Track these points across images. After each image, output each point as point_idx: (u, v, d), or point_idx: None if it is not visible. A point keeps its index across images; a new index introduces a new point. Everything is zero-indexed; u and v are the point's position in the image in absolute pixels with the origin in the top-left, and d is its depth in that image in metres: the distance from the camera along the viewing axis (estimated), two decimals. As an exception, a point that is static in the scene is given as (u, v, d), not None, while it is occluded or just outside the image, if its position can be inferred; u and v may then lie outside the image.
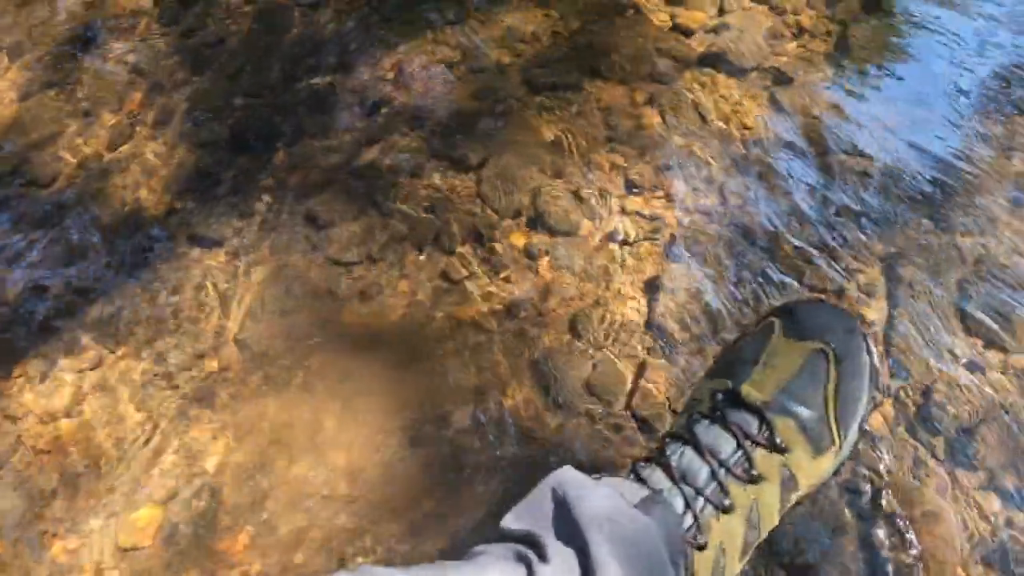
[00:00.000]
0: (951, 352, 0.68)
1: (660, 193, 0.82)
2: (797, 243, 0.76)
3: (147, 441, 0.74)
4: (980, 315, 0.70)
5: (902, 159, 0.80)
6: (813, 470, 0.54)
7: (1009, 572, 0.58)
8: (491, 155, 0.86)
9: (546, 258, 0.79)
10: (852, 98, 0.86)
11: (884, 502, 0.62)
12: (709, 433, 0.53)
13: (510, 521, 0.49)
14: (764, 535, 0.54)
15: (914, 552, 0.58)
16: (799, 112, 0.86)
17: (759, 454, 0.52)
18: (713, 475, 0.51)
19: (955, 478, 0.62)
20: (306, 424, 0.73)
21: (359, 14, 1.05)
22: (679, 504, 0.51)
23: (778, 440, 0.52)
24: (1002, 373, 0.67)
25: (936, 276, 0.72)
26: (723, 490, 0.51)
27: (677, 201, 0.81)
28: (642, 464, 0.54)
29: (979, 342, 0.69)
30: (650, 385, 0.70)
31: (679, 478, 0.52)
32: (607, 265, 0.78)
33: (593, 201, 0.82)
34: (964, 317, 0.70)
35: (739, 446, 0.52)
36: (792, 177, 0.81)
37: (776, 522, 0.54)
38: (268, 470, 0.71)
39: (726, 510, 0.51)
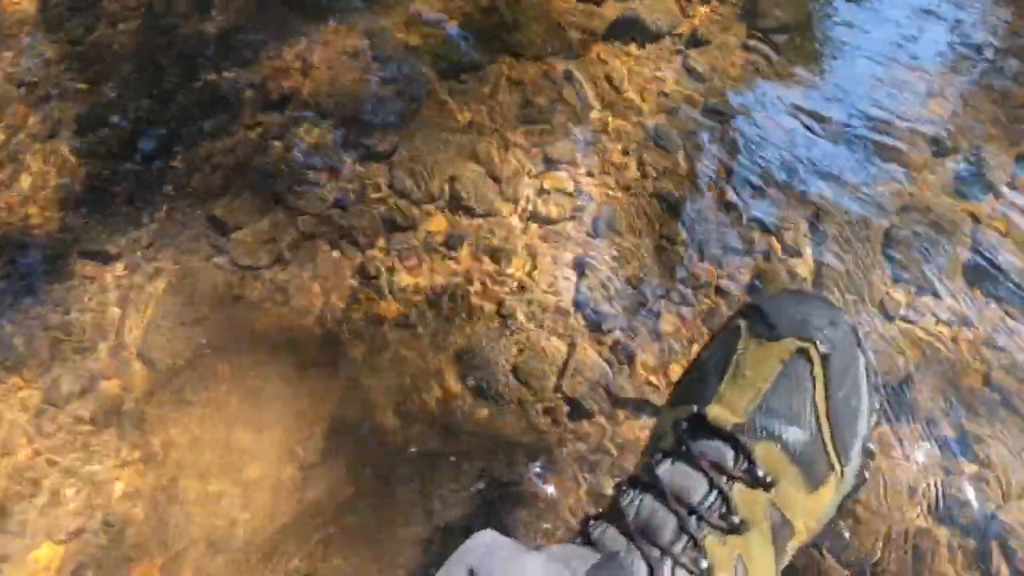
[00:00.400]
0: (881, 304, 0.68)
1: (580, 169, 0.81)
2: (719, 207, 0.75)
3: (44, 475, 0.69)
4: (907, 264, 0.70)
5: (820, 116, 0.81)
6: (811, 507, 0.44)
7: (948, 519, 0.58)
8: (403, 142, 0.84)
9: (467, 244, 0.77)
10: (766, 59, 0.86)
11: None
12: (674, 473, 0.43)
13: None
14: None
15: (857, 510, 0.58)
16: (715, 75, 0.85)
17: (738, 492, 0.42)
18: (681, 527, 0.41)
19: (893, 430, 0.62)
20: (218, 440, 0.70)
21: (258, 3, 1.01)
22: (640, 569, 0.40)
23: (760, 472, 0.42)
24: (934, 320, 0.67)
25: (861, 229, 0.73)
26: (696, 546, 0.40)
27: (597, 176, 0.80)
28: (593, 522, 0.43)
29: (909, 290, 0.69)
30: (580, 365, 0.68)
31: (637, 534, 0.41)
32: (530, 246, 0.76)
33: (512, 182, 0.80)
34: (891, 267, 0.70)
35: (712, 485, 0.42)
36: (711, 141, 0.80)
37: None
38: (179, 493, 0.67)
39: (702, 574, 0.40)
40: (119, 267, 0.80)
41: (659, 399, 0.65)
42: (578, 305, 0.72)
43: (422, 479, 0.65)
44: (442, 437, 0.67)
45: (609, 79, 0.87)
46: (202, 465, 0.69)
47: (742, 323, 0.47)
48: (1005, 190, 0.74)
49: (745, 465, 0.42)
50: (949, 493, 0.59)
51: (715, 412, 0.44)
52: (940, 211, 0.73)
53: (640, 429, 0.64)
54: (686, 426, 0.44)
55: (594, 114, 0.85)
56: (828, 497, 0.44)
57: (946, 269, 0.70)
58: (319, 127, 0.88)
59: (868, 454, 0.47)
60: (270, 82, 0.93)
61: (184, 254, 0.80)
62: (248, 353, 0.75)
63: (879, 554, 0.57)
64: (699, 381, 0.47)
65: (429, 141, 0.84)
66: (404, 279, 0.76)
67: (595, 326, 0.71)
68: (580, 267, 0.74)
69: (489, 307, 0.73)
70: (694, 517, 0.41)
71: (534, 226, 0.78)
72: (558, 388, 0.68)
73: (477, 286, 0.75)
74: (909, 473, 0.60)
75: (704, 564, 0.40)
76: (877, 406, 0.50)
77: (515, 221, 0.78)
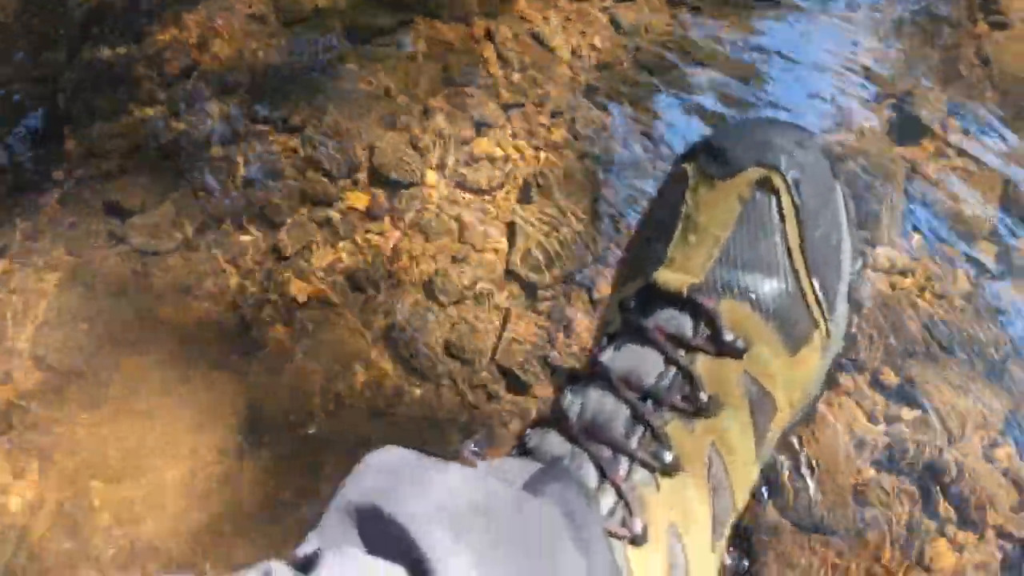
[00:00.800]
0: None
1: (508, 133, 0.79)
2: (654, 164, 0.75)
3: (-69, 494, 0.65)
4: (844, 214, 0.70)
5: (751, 67, 0.80)
6: (793, 375, 0.37)
7: (897, 469, 0.58)
8: (316, 113, 0.81)
9: (389, 217, 0.74)
10: (694, 10, 0.85)
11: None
12: (621, 356, 0.36)
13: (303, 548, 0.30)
14: (743, 502, 0.37)
15: (801, 463, 0.58)
16: (643, 30, 0.84)
17: (703, 365, 0.35)
18: (636, 416, 0.34)
19: (836, 382, 0.62)
20: (127, 440, 0.66)
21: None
22: (590, 475, 0.33)
23: (728, 337, 0.35)
24: (871, 268, 0.68)
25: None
26: (656, 436, 0.33)
27: (526, 139, 0.78)
28: (529, 432, 0.36)
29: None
30: (514, 335, 0.66)
31: (583, 435, 0.34)
32: (458, 215, 0.74)
33: (436, 149, 0.78)
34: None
35: (670, 362, 0.35)
36: (642, 97, 0.79)
37: (756, 477, 0.38)
38: (86, 501, 0.63)
39: (667, 470, 0.33)
40: (5, 262, 0.75)
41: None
42: (510, 275, 0.70)
43: (352, 468, 0.62)
44: (372, 421, 0.65)
45: (535, 36, 0.85)
46: (112, 469, 0.65)
47: (688, 166, 0.39)
48: (940, 132, 0.75)
49: (708, 332, 0.35)
50: (892, 441, 0.60)
51: (665, 277, 0.36)
52: (876, 157, 0.74)
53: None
54: (634, 303, 0.37)
55: (520, 74, 0.83)
56: (813, 360, 0.38)
57: (883, 216, 0.71)
58: (224, 100, 0.84)
59: (855, 306, 0.40)
60: (168, 54, 0.88)
61: (79, 244, 0.76)
62: (156, 346, 0.71)
63: (824, 506, 0.57)
64: (643, 249, 0.39)
65: (344, 111, 0.81)
66: (323, 257, 0.73)
67: (529, 295, 0.69)
68: (511, 235, 0.72)
69: (416, 282, 0.71)
70: (650, 402, 0.34)
71: (461, 195, 0.75)
72: (493, 362, 0.66)
73: (403, 261, 0.72)
74: (852, 423, 0.61)
75: (668, 457, 0.33)
76: (863, 253, 0.44)
77: (440, 191, 0.76)
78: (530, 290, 0.69)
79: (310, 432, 0.65)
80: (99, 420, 0.67)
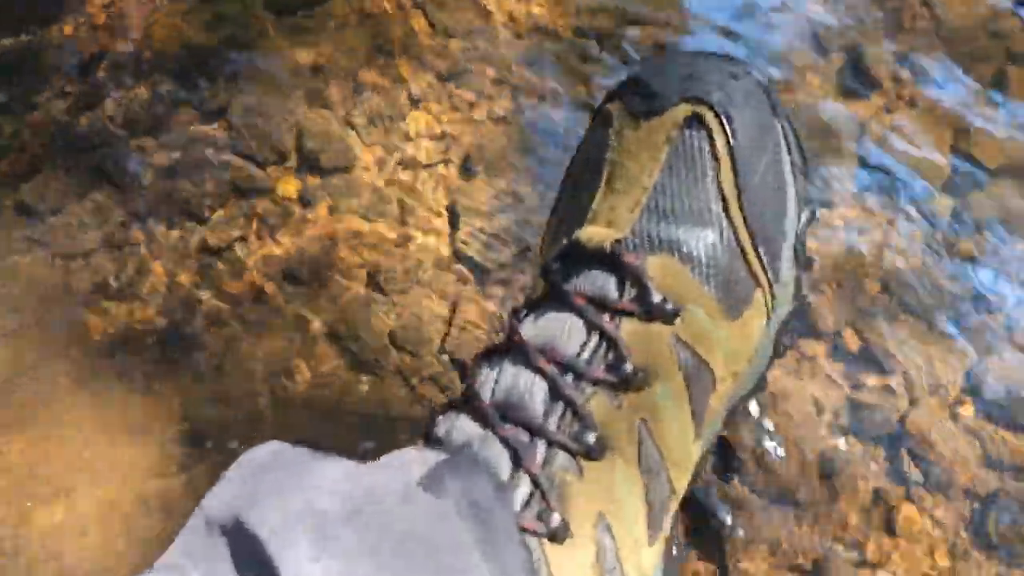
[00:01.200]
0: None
1: (446, 105, 0.76)
2: (600, 132, 0.72)
3: None
4: (797, 174, 0.69)
5: (694, 28, 0.78)
6: (733, 342, 0.33)
7: (864, 434, 0.58)
8: (239, 95, 0.76)
9: (325, 204, 0.71)
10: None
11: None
12: (541, 325, 0.32)
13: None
14: (683, 489, 0.33)
15: (767, 436, 0.57)
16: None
17: (630, 331, 0.31)
18: (554, 392, 0.30)
19: (797, 351, 0.61)
20: (66, 458, 0.63)
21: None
22: (502, 462, 0.29)
23: (656, 298, 0.31)
24: (828, 230, 0.67)
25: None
26: (577, 413, 0.30)
27: (466, 111, 0.75)
28: (439, 417, 0.33)
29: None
30: (465, 322, 0.64)
31: (495, 416, 0.30)
32: (398, 198, 0.71)
33: (370, 128, 0.74)
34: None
35: (592, 328, 0.31)
36: (586, 61, 0.76)
37: (697, 458, 0.34)
38: (14, 528, 0.60)
39: (591, 453, 0.29)
40: (-90, 276, 0.70)
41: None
42: (458, 257, 0.68)
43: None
44: (319, 421, 0.62)
45: (470, 2, 0.82)
46: (50, 489, 0.62)
47: (612, 106, 0.35)
48: (889, 85, 0.74)
49: (634, 292, 0.31)
50: (856, 406, 0.59)
51: (588, 233, 0.32)
52: (826, 114, 0.72)
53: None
54: (557, 265, 0.33)
55: (457, 43, 0.79)
56: (757, 325, 0.34)
57: (836, 175, 0.69)
58: (138, 88, 0.79)
59: (804, 264, 0.35)
60: (76, 41, 0.83)
61: (-10, 251, 0.71)
62: (85, 356, 0.67)
63: (789, 476, 0.56)
64: (568, 204, 0.36)
65: (269, 91, 0.77)
66: (257, 250, 0.70)
67: (479, 278, 0.67)
68: (455, 215, 0.70)
69: (357, 271, 0.68)
70: (570, 375, 0.30)
71: (400, 175, 0.72)
72: (443, 351, 0.64)
73: (342, 249, 0.69)
74: (814, 392, 0.60)
75: (591, 437, 0.29)
76: (807, 195, 0.38)
77: (377, 171, 0.72)
78: (479, 272, 0.67)
79: (252, 438, 0.62)
80: (27, 443, 0.63)
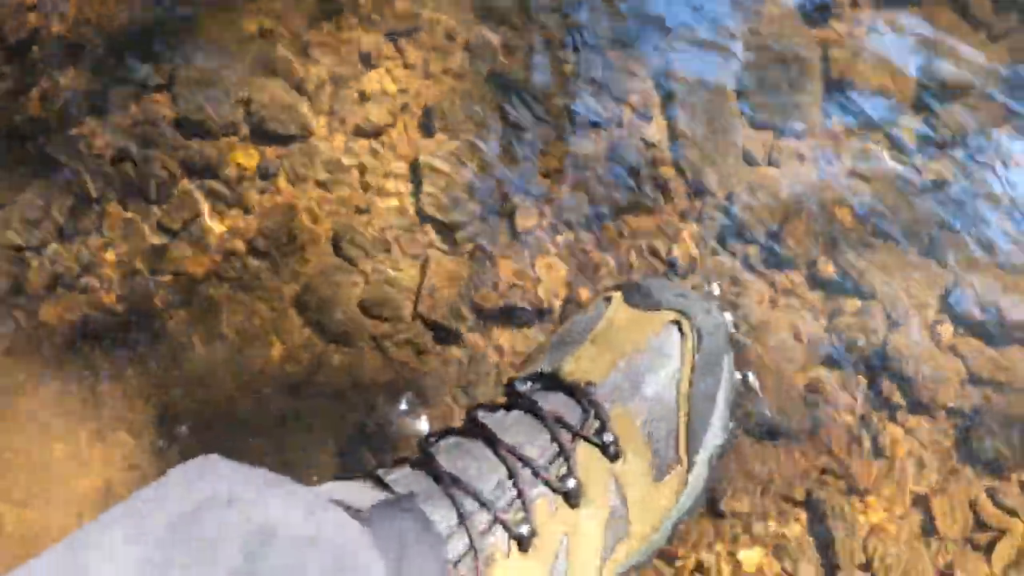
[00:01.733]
0: (745, 153, 0.66)
1: (400, 63, 0.73)
2: (560, 80, 0.71)
3: None
4: (763, 107, 0.68)
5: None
6: (651, 502, 0.40)
7: (847, 362, 0.58)
8: (183, 67, 0.74)
9: (282, 173, 0.69)
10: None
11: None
12: (508, 421, 0.38)
13: None
14: None
15: (748, 369, 0.57)
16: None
17: (583, 453, 0.37)
18: (512, 479, 0.35)
19: (774, 283, 0.61)
20: (33, 459, 0.61)
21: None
22: (445, 516, 0.33)
23: (609, 437, 0.38)
24: (798, 160, 0.66)
25: (711, 79, 0.70)
26: (525, 506, 0.35)
27: (421, 67, 0.73)
28: (390, 470, 0.37)
29: (767, 136, 0.67)
30: (435, 283, 0.63)
31: (448, 479, 0.34)
32: (357, 162, 0.69)
33: (322, 92, 0.72)
34: (748, 114, 0.68)
35: (553, 439, 0.37)
36: (541, 9, 0.74)
37: None
38: (-10, 532, 0.59)
39: (522, 543, 0.34)
40: None
41: (528, 301, 0.61)
42: (423, 218, 0.66)
43: (278, 447, 0.59)
44: (293, 396, 0.61)
45: (415, -45, 0.79)
46: (18, 492, 0.61)
47: (616, 294, 0.46)
48: (849, 12, 0.73)
49: (596, 426, 0.39)
50: (836, 335, 0.59)
51: (570, 367, 0.41)
52: (787, 45, 0.71)
53: (513, 337, 0.61)
54: (532, 383, 0.41)
55: (404, -1, 0.77)
56: (668, 495, 0.41)
57: (802, 105, 0.69)
58: (77, 67, 0.76)
59: (711, 468, 0.43)
60: (7, 22, 0.79)
61: (-66, 250, 0.69)
62: (47, 351, 0.65)
63: (776, 410, 0.56)
64: (557, 346, 0.44)
65: (214, 59, 0.74)
66: (215, 227, 0.68)
67: (446, 238, 0.66)
68: (417, 175, 0.68)
69: (322, 240, 0.66)
70: (529, 471, 0.36)
71: (357, 138, 0.70)
72: (416, 314, 0.63)
73: (303, 219, 0.67)
74: (794, 323, 0.60)
75: (526, 529, 0.34)
76: (732, 427, 0.49)
77: (334, 136, 0.71)
78: (446, 232, 0.66)
79: (226, 421, 0.61)
80: (-10, 441, 0.62)
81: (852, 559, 0.53)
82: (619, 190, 0.66)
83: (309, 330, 0.63)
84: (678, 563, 0.52)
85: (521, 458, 0.36)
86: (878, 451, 0.56)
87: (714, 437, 0.43)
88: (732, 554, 0.53)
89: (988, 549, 0.53)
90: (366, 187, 0.68)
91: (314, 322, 0.63)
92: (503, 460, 0.36)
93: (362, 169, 0.69)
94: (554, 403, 0.39)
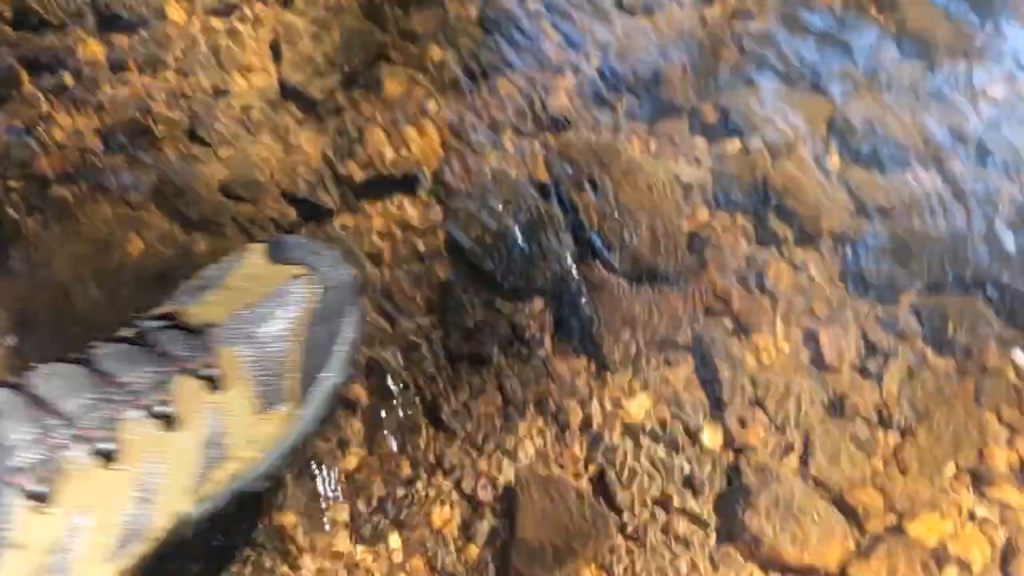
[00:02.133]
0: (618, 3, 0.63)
1: (253, -64, 0.68)
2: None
3: None
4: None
5: None
6: (253, 432, 0.44)
7: (728, 203, 0.56)
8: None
9: (133, 62, 0.65)
10: None
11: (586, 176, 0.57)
12: (114, 353, 0.41)
13: None
14: (163, 530, 0.40)
15: (624, 221, 0.54)
16: None
17: (181, 384, 0.41)
18: (104, 400, 0.38)
19: (651, 130, 0.58)
20: None
21: None
22: (16, 431, 0.36)
23: (213, 372, 0.42)
24: (677, 6, 0.63)
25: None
26: (112, 424, 0.38)
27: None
28: None
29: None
30: (301, 158, 0.60)
31: (30, 401, 0.37)
32: (216, 44, 0.65)
33: (172, -28, 0.67)
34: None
35: (155, 370, 0.40)
36: None
37: (188, 510, 0.41)
38: None
39: (108, 458, 0.37)
40: None
41: (393, 171, 0.58)
42: (287, 92, 0.63)
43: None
44: (160, 289, 0.58)
45: None
46: None
47: (258, 246, 0.48)
48: None
49: (206, 360, 0.42)
50: (720, 178, 0.57)
51: (192, 312, 0.44)
52: None
53: (384, 203, 0.58)
54: (149, 321, 0.44)
55: None
56: (274, 427, 0.45)
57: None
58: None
59: (333, 408, 0.47)
60: None
61: None
62: None
63: (657, 255, 0.54)
64: (190, 289, 0.47)
65: (49, -54, 0.68)
66: (65, 124, 0.63)
67: (310, 110, 0.62)
68: (276, 48, 0.64)
69: (179, 127, 0.62)
70: (124, 392, 0.39)
71: (210, 19, 0.66)
72: (283, 194, 0.59)
73: (159, 108, 0.63)
74: (678, 170, 0.57)
75: (111, 446, 0.37)
76: (350, 375, 0.52)
77: (185, 19, 0.66)
78: (310, 104, 0.62)
79: (91, 326, 0.58)
80: None
81: (742, 396, 0.52)
82: (490, 52, 0.63)
83: (170, 220, 0.60)
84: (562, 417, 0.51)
85: (113, 383, 0.39)
86: (763, 286, 0.54)
87: (326, 379, 0.47)
88: (618, 404, 0.51)
89: (879, 375, 0.53)
90: (223, 66, 0.64)
91: (175, 212, 0.60)
92: (96, 385, 0.39)
93: (218, 50, 0.65)
94: (166, 340, 0.42)
